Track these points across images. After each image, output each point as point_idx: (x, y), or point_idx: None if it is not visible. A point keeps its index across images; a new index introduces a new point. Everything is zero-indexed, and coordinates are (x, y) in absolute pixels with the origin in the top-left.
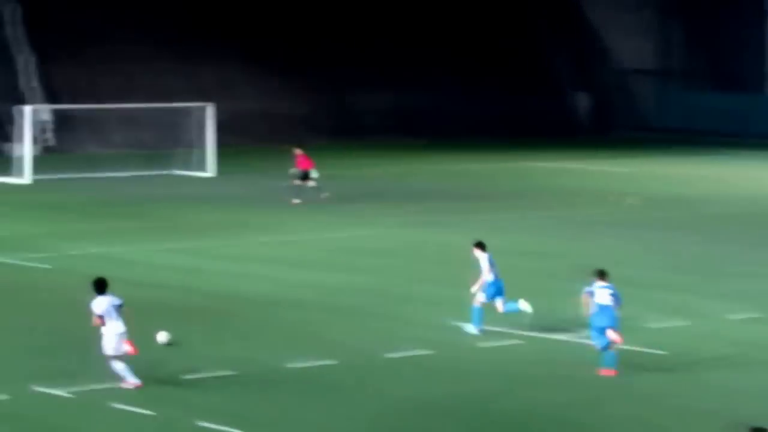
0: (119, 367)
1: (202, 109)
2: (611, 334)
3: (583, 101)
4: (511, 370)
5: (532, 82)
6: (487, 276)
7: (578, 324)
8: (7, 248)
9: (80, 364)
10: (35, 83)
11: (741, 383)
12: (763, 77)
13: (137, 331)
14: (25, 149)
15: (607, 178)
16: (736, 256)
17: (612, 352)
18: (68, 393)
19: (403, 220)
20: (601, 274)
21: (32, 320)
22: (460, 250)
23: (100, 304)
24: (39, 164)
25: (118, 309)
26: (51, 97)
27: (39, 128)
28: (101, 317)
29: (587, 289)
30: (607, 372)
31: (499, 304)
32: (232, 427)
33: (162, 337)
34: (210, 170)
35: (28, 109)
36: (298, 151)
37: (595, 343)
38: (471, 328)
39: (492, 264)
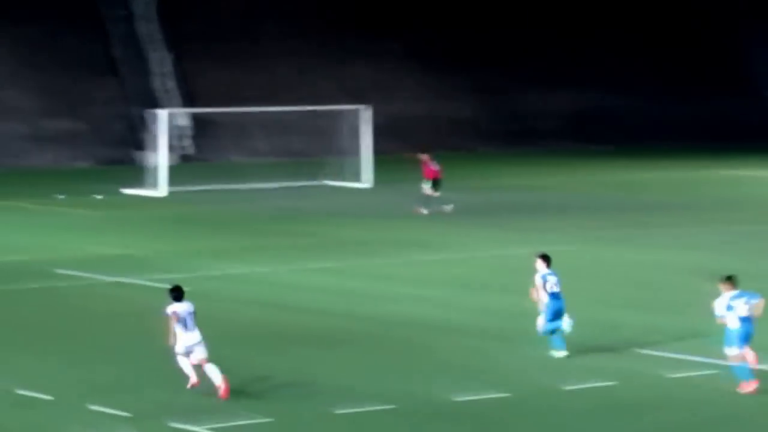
0: (184, 363)
1: (357, 112)
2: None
3: None
4: (710, 405)
5: (731, 82)
6: (542, 295)
7: None
8: (139, 268)
9: (219, 398)
10: (171, 85)
11: None
12: None
13: (284, 359)
14: (161, 158)
15: None
16: None
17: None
18: (206, 430)
19: (583, 235)
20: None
21: (166, 349)
22: (652, 269)
23: (176, 309)
24: (175, 174)
25: (193, 317)
26: (189, 100)
27: (176, 135)
28: (176, 316)
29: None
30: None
31: (541, 323)
32: None
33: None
34: (365, 180)
35: (163, 114)
36: (424, 157)
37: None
38: (556, 353)
39: (545, 281)
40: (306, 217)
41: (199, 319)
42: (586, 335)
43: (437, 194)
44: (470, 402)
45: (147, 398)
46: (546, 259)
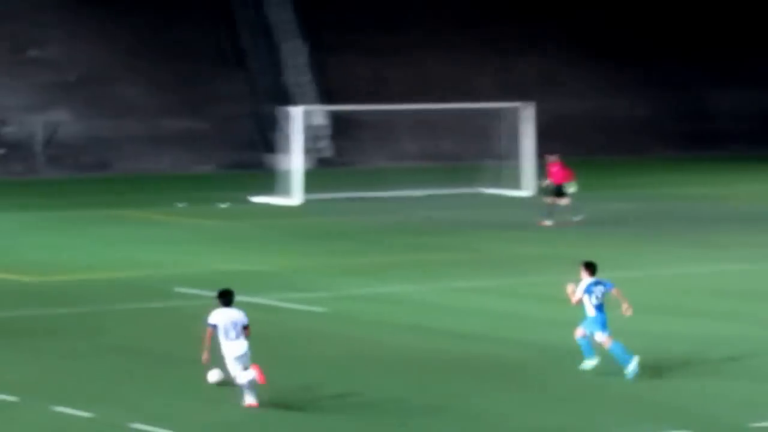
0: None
1: (516, 111)
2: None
3: None
4: None
5: None
6: (577, 299)
7: None
8: (271, 286)
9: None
10: (307, 79)
11: None
12: None
13: (437, 392)
14: (294, 162)
15: None
16: None
17: None
18: None
19: None
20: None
21: (302, 378)
22: None
23: (219, 317)
24: (312, 180)
25: (241, 329)
26: (326, 96)
27: (311, 135)
28: (213, 328)
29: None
30: None
31: (606, 339)
32: None
33: (214, 376)
34: (527, 188)
35: (298, 112)
36: (551, 159)
37: None
38: (587, 365)
39: (590, 293)
40: (459, 229)
41: (340, 347)
42: None
43: (563, 202)
44: None
45: None
46: (590, 267)
